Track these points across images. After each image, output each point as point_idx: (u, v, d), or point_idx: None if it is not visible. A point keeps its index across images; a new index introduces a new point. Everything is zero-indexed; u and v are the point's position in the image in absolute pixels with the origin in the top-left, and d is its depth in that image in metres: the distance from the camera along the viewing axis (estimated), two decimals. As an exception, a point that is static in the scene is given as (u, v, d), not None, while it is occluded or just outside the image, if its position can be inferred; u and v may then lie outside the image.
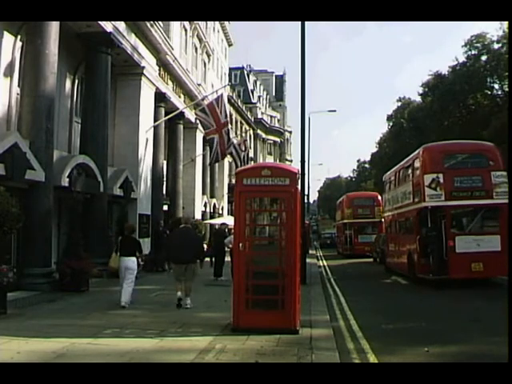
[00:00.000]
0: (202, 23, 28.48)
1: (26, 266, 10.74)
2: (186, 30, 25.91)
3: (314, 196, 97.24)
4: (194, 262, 9.45)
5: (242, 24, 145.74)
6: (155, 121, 19.45)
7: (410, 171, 16.19)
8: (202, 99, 23.11)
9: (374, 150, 54.16)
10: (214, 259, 15.32)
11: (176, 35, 23.13)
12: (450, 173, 13.74)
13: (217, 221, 27.14)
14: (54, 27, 11.63)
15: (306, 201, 30.00)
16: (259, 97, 63.60)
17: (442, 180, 13.65)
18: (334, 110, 42.90)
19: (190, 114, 24.64)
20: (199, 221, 24.61)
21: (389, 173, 20.58)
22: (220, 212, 33.84)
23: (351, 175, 79.86)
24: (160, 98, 20.42)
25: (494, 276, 13.70)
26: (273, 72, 74.54)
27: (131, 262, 9.59)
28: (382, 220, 23.80)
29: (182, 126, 24.24)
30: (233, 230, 9.39)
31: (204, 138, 24.98)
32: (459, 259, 13.01)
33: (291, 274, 7.04)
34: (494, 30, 49.25)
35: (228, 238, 14.31)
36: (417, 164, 15.15)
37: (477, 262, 12.93)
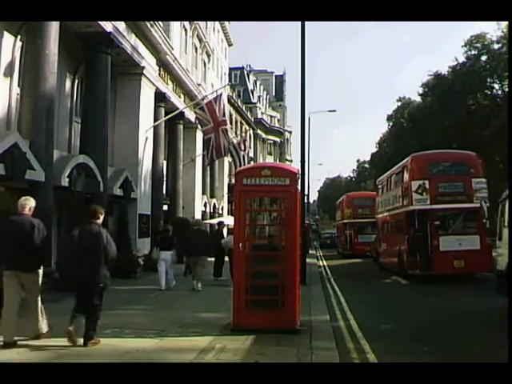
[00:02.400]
0: (202, 23, 28.47)
1: (25, 266, 10.71)
2: (186, 30, 25.91)
3: (314, 196, 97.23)
4: (204, 255, 12.66)
5: (242, 24, 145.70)
6: (155, 121, 19.44)
7: (400, 177, 17.63)
8: (202, 99, 23.09)
9: (374, 150, 54.23)
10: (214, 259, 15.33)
11: (176, 35, 23.13)
12: (435, 179, 15.22)
13: (216, 221, 27.16)
14: (53, 27, 11.62)
15: (306, 201, 29.98)
16: (259, 97, 63.57)
17: (427, 186, 15.15)
18: (334, 110, 42.96)
19: (190, 114, 24.64)
20: (199, 221, 24.56)
21: (382, 177, 22.24)
22: (220, 212, 33.82)
23: (351, 175, 79.92)
24: (160, 97, 20.41)
25: (474, 272, 14.87)
26: (273, 72, 74.46)
27: (164, 254, 12.10)
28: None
29: (181, 126, 24.23)
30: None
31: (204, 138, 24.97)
32: (443, 257, 14.31)
33: (291, 273, 7.04)
34: (493, 30, 49.27)
35: (227, 238, 14.34)
36: (406, 171, 16.63)
37: (459, 260, 14.31)
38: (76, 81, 15.86)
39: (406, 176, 16.43)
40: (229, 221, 18.90)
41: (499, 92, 34.51)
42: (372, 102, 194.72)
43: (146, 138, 18.44)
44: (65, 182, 12.51)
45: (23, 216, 6.39)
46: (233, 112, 44.99)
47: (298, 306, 7.18)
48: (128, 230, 16.10)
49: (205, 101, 21.70)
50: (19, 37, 12.47)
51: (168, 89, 21.75)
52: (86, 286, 6.19)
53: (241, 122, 49.78)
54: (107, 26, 14.55)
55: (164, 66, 20.93)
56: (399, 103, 46.04)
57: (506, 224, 9.64)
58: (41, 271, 6.51)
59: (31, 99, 11.37)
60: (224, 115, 20.67)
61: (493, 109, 31.98)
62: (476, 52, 34.16)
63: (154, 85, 19.40)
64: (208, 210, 30.76)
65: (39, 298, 6.42)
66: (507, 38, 29.79)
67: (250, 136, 51.48)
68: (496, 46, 32.85)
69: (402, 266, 16.23)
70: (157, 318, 8.32)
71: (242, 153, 27.65)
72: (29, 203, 6.51)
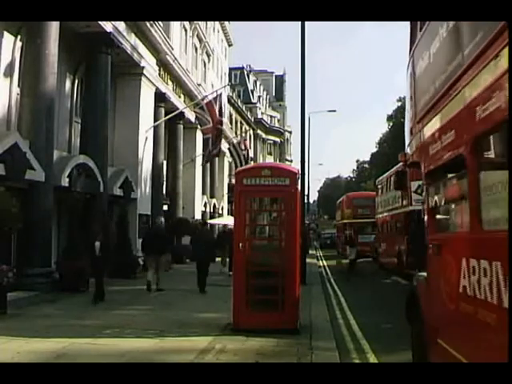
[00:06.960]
0: (202, 23, 28.46)
1: (26, 266, 10.74)
2: (186, 30, 25.90)
3: (314, 196, 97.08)
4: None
5: (242, 24, 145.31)
6: (155, 121, 19.44)
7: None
8: (202, 99, 23.07)
9: (374, 149, 54.24)
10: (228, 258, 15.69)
11: (176, 35, 23.13)
12: None
13: (216, 221, 27.29)
14: (54, 27, 11.63)
15: (306, 201, 29.98)
16: (259, 97, 63.53)
17: None
18: (334, 110, 42.98)
19: (190, 114, 24.63)
20: (199, 221, 24.62)
21: (381, 178, 22.65)
22: (220, 212, 33.79)
23: (351, 175, 79.85)
24: (160, 98, 20.41)
25: None
26: (273, 72, 74.35)
27: None
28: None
29: (181, 126, 24.23)
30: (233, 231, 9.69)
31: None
32: None
33: (291, 274, 7.05)
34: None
35: None
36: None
37: None
38: (76, 81, 15.85)
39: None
40: (229, 221, 19.05)
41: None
42: (372, 102, 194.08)
43: (146, 138, 18.45)
44: (65, 182, 12.51)
45: (157, 226, 13.67)
46: (233, 112, 44.97)
47: (298, 306, 7.18)
48: (128, 230, 16.10)
49: (205, 101, 21.71)
50: (19, 37, 12.46)
51: (168, 89, 21.75)
52: (207, 263, 12.08)
53: (241, 122, 49.76)
54: (107, 25, 14.55)
55: (164, 66, 20.92)
56: (399, 103, 46.00)
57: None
58: (166, 255, 12.84)
59: (31, 99, 11.38)
60: (221, 115, 20.68)
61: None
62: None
63: (154, 85, 19.39)
64: (208, 209, 30.75)
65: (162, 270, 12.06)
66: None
67: (250, 136, 51.44)
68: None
69: (401, 265, 16.42)
70: (157, 318, 8.33)
71: (242, 153, 27.68)
72: (160, 220, 14.14)
